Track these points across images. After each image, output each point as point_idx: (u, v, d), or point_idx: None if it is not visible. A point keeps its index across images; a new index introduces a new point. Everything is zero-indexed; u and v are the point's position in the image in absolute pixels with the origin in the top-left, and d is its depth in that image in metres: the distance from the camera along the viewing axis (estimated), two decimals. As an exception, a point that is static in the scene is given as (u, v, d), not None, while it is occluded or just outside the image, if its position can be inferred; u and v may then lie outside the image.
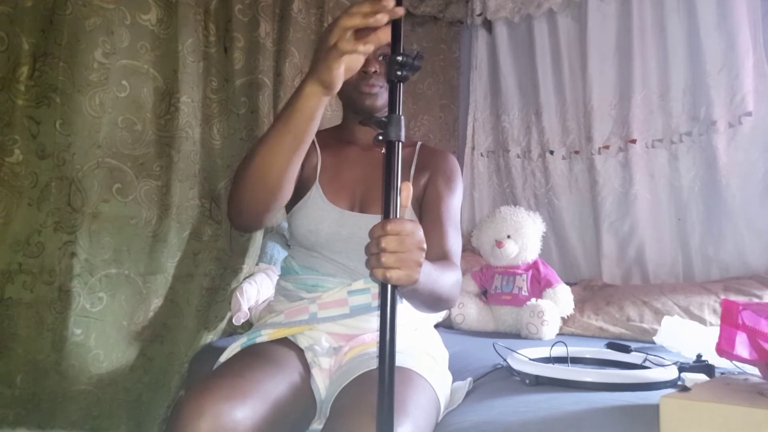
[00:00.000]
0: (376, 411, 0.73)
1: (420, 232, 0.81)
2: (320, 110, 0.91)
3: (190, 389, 0.92)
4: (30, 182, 1.49)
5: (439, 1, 2.60)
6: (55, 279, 1.50)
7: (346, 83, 1.21)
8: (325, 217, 1.17)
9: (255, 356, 1.06)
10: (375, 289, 1.17)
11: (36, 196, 1.49)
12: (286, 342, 1.14)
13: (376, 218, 1.17)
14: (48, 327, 1.49)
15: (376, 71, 1.18)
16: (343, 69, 0.85)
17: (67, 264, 1.51)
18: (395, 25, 0.80)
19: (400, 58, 0.78)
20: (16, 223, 1.47)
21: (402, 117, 0.79)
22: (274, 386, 0.98)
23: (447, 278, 1.04)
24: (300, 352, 1.12)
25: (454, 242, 1.17)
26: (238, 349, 1.13)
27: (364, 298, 1.16)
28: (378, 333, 1.14)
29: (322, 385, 1.09)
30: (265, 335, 1.15)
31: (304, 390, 1.06)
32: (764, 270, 1.92)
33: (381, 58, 1.21)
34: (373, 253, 0.78)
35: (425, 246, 0.82)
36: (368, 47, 0.81)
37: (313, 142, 1.27)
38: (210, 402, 0.88)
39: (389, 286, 0.77)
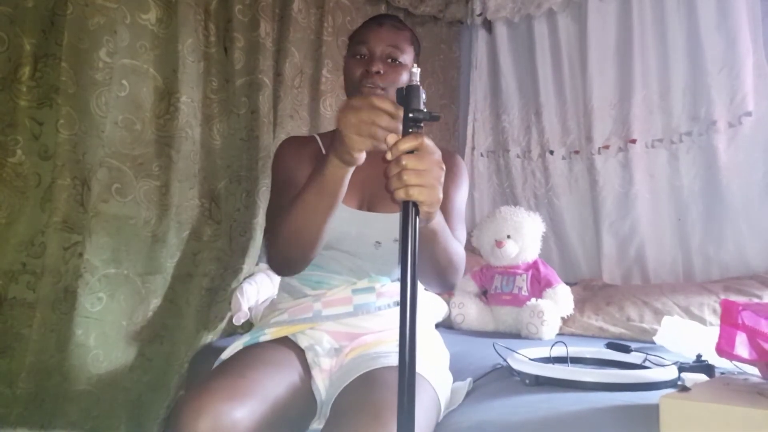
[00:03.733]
0: (398, 363, 0.73)
1: (438, 152, 0.82)
2: (347, 176, 0.96)
3: (190, 389, 0.92)
4: (33, 182, 1.49)
5: (439, 1, 2.60)
6: (60, 279, 1.50)
7: (350, 84, 1.23)
8: (335, 216, 1.18)
9: (255, 356, 1.06)
10: (379, 287, 1.18)
11: (39, 197, 1.50)
12: (287, 342, 1.14)
13: (384, 217, 1.18)
14: (51, 327, 1.49)
15: (379, 72, 1.18)
16: (363, 150, 0.88)
17: (75, 264, 1.51)
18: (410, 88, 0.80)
19: (411, 115, 0.79)
20: (20, 224, 1.47)
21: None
22: (273, 386, 0.98)
23: (457, 245, 1.08)
24: (300, 353, 1.12)
25: (460, 232, 1.19)
26: (240, 347, 1.13)
27: (368, 296, 1.17)
28: (379, 333, 1.16)
29: (322, 385, 1.09)
30: (268, 334, 1.15)
31: (304, 390, 1.06)
32: (764, 270, 1.92)
33: (389, 60, 1.22)
34: (394, 174, 0.79)
35: (444, 166, 0.83)
36: (377, 145, 0.84)
37: (318, 145, 1.31)
38: (209, 402, 0.88)
39: (411, 210, 0.77)
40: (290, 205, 1.03)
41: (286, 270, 1.16)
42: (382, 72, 1.19)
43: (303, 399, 1.05)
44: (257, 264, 1.90)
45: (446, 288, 1.14)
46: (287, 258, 1.09)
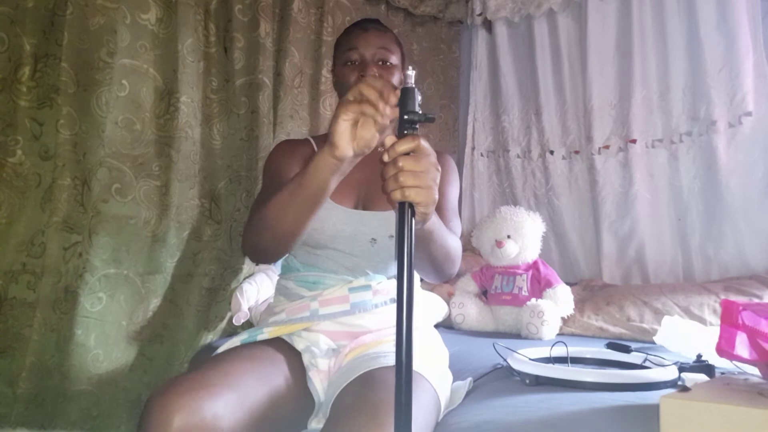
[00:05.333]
0: (395, 369, 0.72)
1: (434, 153, 0.82)
2: (334, 178, 0.94)
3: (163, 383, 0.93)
4: (33, 182, 1.49)
5: (439, 1, 2.60)
6: (60, 279, 1.50)
7: (344, 91, 1.24)
8: (329, 215, 1.19)
9: (236, 352, 1.07)
10: (376, 285, 1.19)
11: (39, 197, 1.50)
12: (282, 344, 1.14)
13: (379, 215, 1.19)
14: (51, 327, 1.49)
15: (375, 75, 1.19)
16: (347, 131, 0.86)
17: (75, 264, 1.51)
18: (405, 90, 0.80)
19: (407, 117, 0.79)
20: (20, 224, 1.47)
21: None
22: (247, 379, 0.97)
23: (453, 238, 1.11)
24: (293, 354, 1.12)
25: (455, 224, 1.21)
26: (237, 344, 1.13)
27: (364, 295, 1.18)
28: (377, 333, 1.16)
29: (320, 386, 1.09)
30: (266, 333, 1.15)
31: (291, 388, 1.06)
32: (764, 270, 1.92)
33: (380, 62, 1.23)
34: (391, 176, 0.78)
35: (440, 167, 0.83)
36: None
37: (312, 146, 1.32)
38: (180, 393, 0.87)
39: (407, 211, 0.77)
40: (271, 199, 1.02)
41: (257, 256, 1.19)
42: (377, 75, 1.20)
43: (289, 396, 1.05)
44: (257, 264, 1.90)
45: (445, 279, 1.17)
46: (255, 245, 1.09)
